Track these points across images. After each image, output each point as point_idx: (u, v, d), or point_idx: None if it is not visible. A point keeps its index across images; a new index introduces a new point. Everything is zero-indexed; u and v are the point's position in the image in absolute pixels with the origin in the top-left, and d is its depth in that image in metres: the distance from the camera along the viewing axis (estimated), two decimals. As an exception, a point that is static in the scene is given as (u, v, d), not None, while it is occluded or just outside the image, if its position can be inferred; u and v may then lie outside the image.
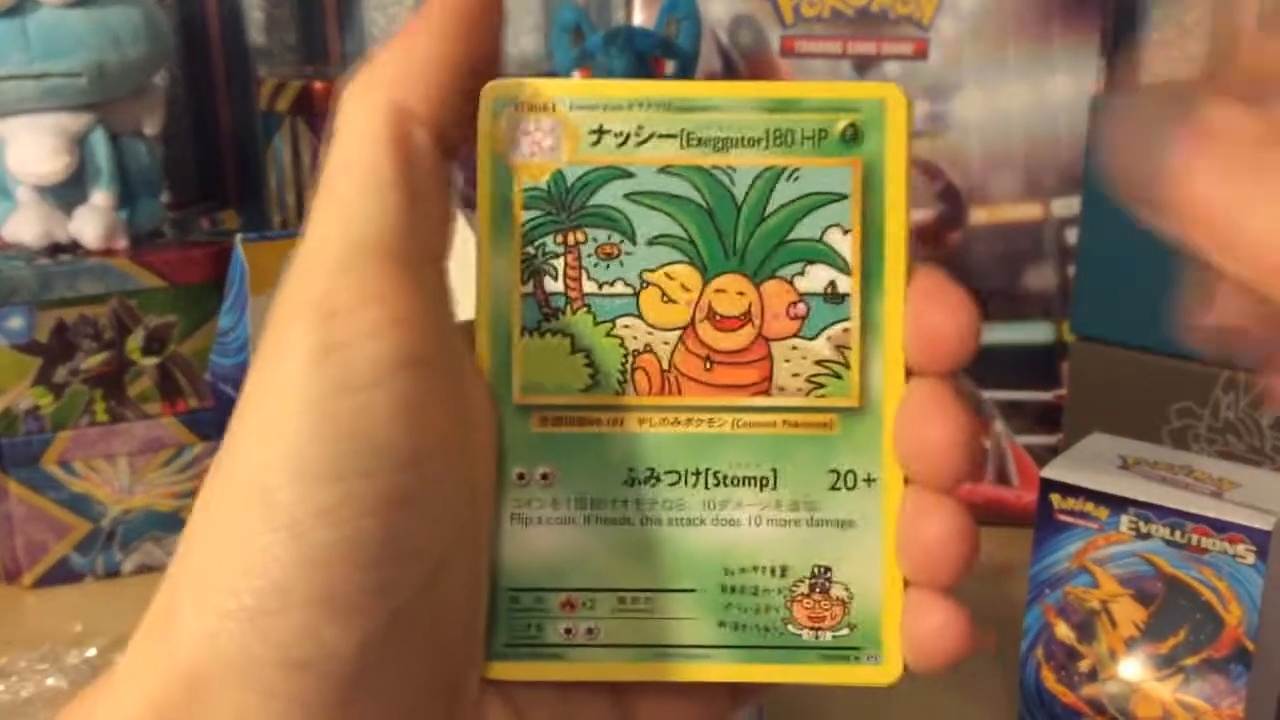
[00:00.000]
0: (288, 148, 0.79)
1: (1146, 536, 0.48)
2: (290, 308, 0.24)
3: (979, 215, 0.72)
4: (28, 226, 0.69)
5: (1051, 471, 0.50)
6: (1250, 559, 0.47)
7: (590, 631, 0.27)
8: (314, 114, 0.76)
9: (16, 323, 0.68)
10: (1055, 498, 0.50)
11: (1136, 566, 0.49)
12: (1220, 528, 0.47)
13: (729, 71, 0.74)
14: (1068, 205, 0.71)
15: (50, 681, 0.59)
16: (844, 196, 0.26)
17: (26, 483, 0.69)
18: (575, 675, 0.27)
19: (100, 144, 0.70)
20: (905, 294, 0.26)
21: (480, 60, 0.26)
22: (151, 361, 0.71)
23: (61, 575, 0.70)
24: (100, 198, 0.70)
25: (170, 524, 0.71)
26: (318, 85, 0.76)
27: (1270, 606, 0.48)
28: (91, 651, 0.62)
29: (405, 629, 0.24)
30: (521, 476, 0.26)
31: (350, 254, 0.24)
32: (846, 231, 0.26)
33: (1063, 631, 0.51)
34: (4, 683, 0.59)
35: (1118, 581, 0.50)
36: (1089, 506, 0.49)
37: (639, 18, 0.75)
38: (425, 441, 0.24)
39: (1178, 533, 0.48)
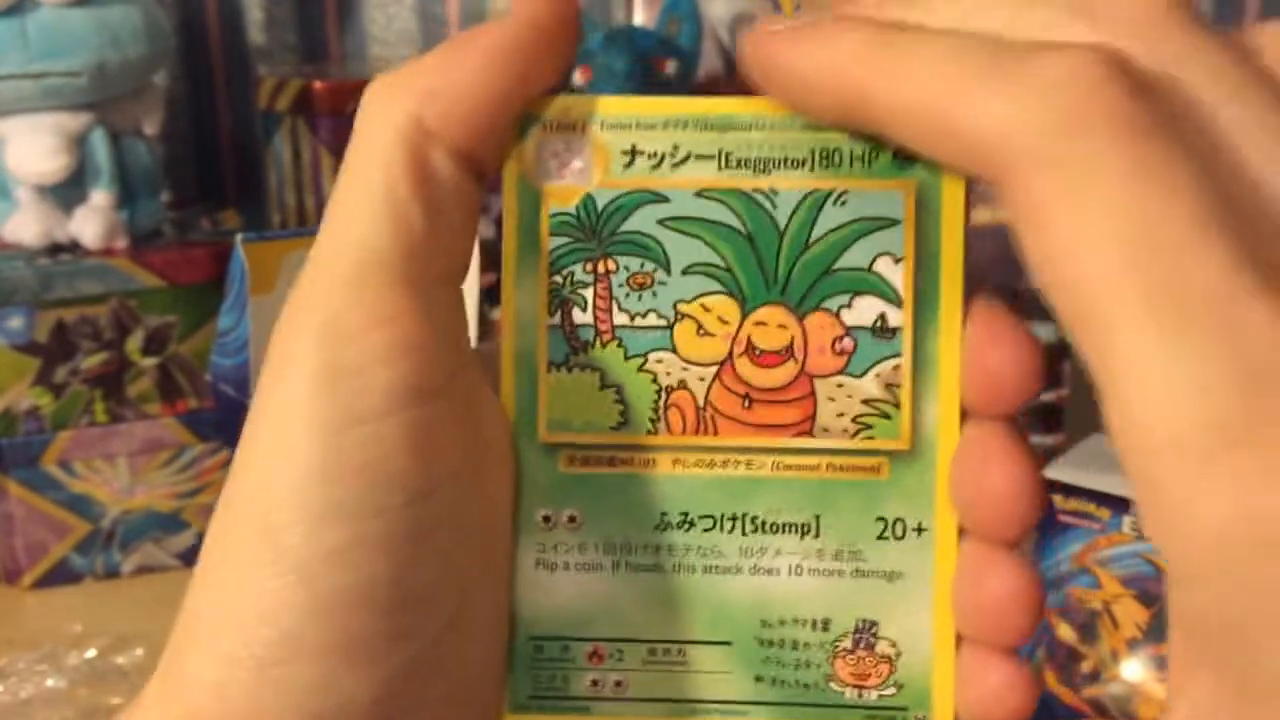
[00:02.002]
0: (288, 147, 0.79)
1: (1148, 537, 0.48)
2: (296, 326, 0.22)
3: (980, 215, 0.72)
4: (27, 226, 0.69)
5: (1053, 472, 0.50)
6: (1253, 559, 0.47)
7: (618, 684, 0.25)
8: (314, 114, 0.76)
9: (16, 323, 0.68)
10: (1057, 498, 0.50)
11: (1139, 567, 0.49)
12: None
13: (730, 72, 0.73)
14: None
15: (50, 682, 0.59)
16: (896, 222, 0.24)
17: (26, 483, 0.69)
18: None
19: (100, 144, 0.70)
20: (962, 329, 0.24)
21: (533, 94, 0.24)
22: (151, 362, 0.71)
23: (61, 576, 0.70)
24: (100, 197, 0.70)
25: (170, 524, 0.71)
26: (318, 85, 0.76)
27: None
28: (91, 652, 0.62)
29: (424, 675, 0.23)
30: (547, 519, 0.25)
31: (361, 271, 0.22)
32: (898, 260, 0.24)
33: (1065, 632, 0.51)
34: (4, 683, 0.59)
35: (1120, 582, 0.49)
36: (1091, 507, 0.49)
37: (639, 18, 0.75)
38: (438, 475, 0.22)
39: (1180, 533, 0.48)
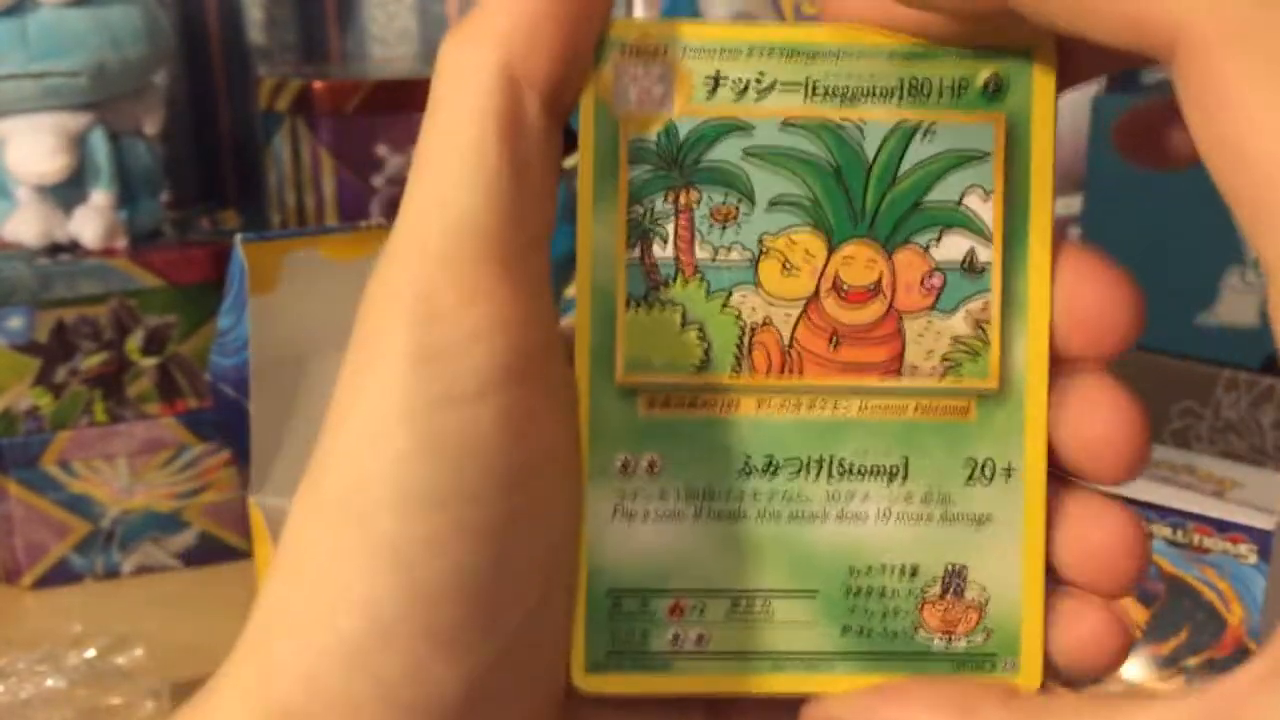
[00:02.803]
0: (287, 147, 0.79)
1: (1148, 536, 0.48)
2: (386, 304, 0.21)
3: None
4: (27, 226, 0.69)
5: (1053, 471, 0.50)
6: (1252, 559, 0.47)
7: (700, 639, 0.24)
8: (314, 114, 0.76)
9: (16, 323, 0.68)
10: (1057, 498, 0.50)
11: (1138, 567, 0.49)
12: (1222, 527, 0.47)
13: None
14: (1069, 205, 0.71)
15: (50, 682, 0.59)
16: (986, 156, 0.23)
17: (26, 483, 0.69)
18: (683, 688, 0.24)
19: (100, 144, 0.70)
20: (1052, 267, 0.23)
21: (597, 11, 0.23)
22: (151, 362, 0.71)
23: (61, 576, 0.70)
24: (100, 197, 0.70)
25: (170, 525, 0.71)
26: (318, 85, 0.76)
27: (1272, 606, 0.47)
28: (91, 652, 0.62)
29: (514, 661, 0.22)
30: (625, 465, 0.24)
31: (452, 244, 0.21)
32: (988, 195, 0.23)
33: (1064, 632, 0.51)
34: (3, 683, 0.59)
35: (1119, 582, 0.49)
36: (1090, 506, 0.49)
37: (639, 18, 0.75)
38: (533, 459, 0.22)
39: (1179, 532, 0.48)
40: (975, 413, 0.24)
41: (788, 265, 0.24)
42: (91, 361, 0.69)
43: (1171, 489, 0.49)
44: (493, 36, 0.22)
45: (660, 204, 0.23)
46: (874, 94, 0.23)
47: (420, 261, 0.21)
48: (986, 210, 0.23)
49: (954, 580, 0.24)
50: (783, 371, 0.24)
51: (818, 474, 0.24)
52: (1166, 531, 0.48)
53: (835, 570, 0.24)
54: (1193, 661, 0.49)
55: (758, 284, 0.24)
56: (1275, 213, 0.18)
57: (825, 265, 0.24)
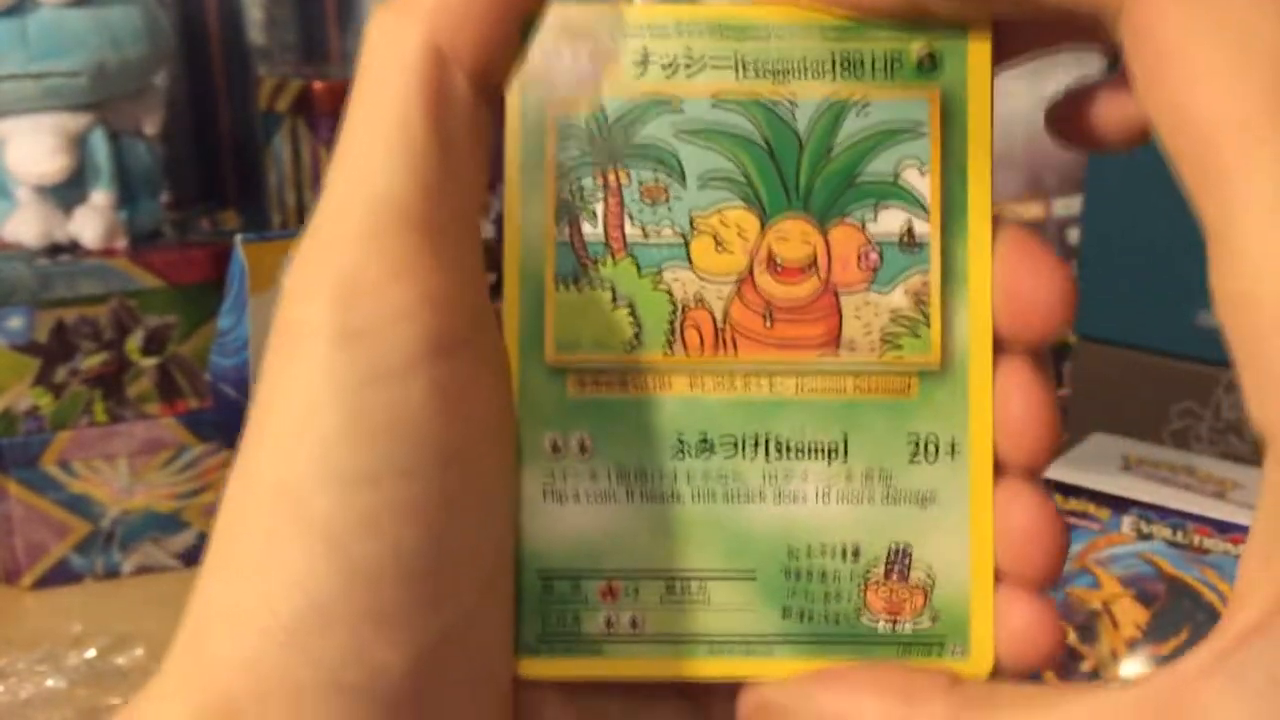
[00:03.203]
0: (288, 147, 0.79)
1: (1148, 537, 0.48)
2: (307, 284, 0.21)
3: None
4: (27, 226, 0.69)
5: (1053, 472, 0.50)
6: (1252, 560, 0.47)
7: (634, 623, 0.23)
8: (314, 114, 0.76)
9: (16, 323, 0.68)
10: (1057, 498, 0.50)
11: (1138, 567, 0.49)
12: (1222, 528, 0.47)
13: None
14: (1069, 205, 0.71)
15: (50, 682, 0.59)
16: (921, 130, 0.23)
17: (26, 483, 0.69)
18: (617, 672, 0.24)
19: (100, 144, 0.70)
20: (991, 243, 0.23)
21: None
22: (151, 362, 0.71)
23: (61, 576, 0.70)
24: (100, 198, 0.70)
25: (170, 525, 0.71)
26: (318, 85, 0.76)
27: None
28: (91, 652, 0.62)
29: (462, 642, 0.22)
30: (555, 446, 0.23)
31: (375, 221, 0.21)
32: (924, 170, 0.23)
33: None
34: (3, 683, 0.59)
35: (1119, 582, 0.49)
36: (1090, 507, 0.49)
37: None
38: (469, 433, 0.21)
39: (1179, 533, 0.48)
40: (917, 390, 0.23)
41: (720, 243, 0.23)
42: (91, 362, 0.69)
43: (1171, 490, 0.48)
44: (420, 12, 0.21)
45: (589, 183, 0.23)
46: (806, 70, 0.23)
47: (343, 239, 0.21)
48: (924, 184, 0.23)
49: (898, 561, 0.23)
50: (716, 350, 0.23)
51: (754, 453, 0.23)
52: (1167, 532, 0.48)
53: (774, 551, 0.23)
54: (1193, 662, 0.49)
55: (690, 262, 0.23)
56: (1213, 173, 0.17)
57: (759, 242, 0.23)
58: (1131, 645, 0.50)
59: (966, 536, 0.23)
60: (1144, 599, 0.49)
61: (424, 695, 0.21)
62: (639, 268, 0.23)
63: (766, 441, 0.23)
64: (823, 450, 0.23)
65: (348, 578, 0.20)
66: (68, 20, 0.69)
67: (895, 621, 0.24)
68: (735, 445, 0.23)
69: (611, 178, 0.23)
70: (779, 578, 0.23)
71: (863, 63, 0.23)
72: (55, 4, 0.69)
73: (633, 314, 0.23)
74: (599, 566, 0.23)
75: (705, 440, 0.23)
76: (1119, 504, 0.49)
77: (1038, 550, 0.23)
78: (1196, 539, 0.47)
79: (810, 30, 0.23)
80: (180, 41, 0.90)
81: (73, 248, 0.70)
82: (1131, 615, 0.49)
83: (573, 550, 0.23)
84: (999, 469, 0.23)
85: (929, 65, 0.23)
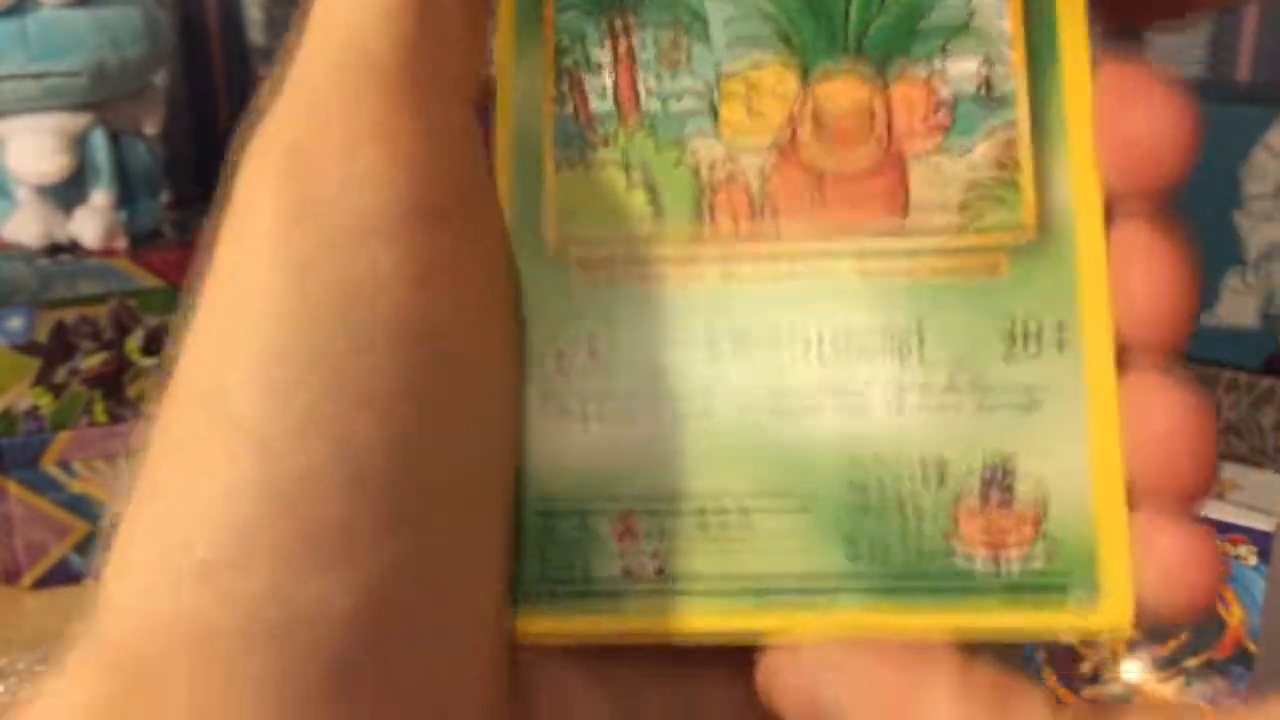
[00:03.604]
0: (288, 148, 0.78)
1: (1148, 538, 0.48)
2: (261, 153, 0.18)
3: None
4: (27, 226, 0.69)
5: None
6: (1252, 560, 0.47)
7: (659, 569, 0.19)
8: (314, 114, 0.76)
9: (16, 323, 0.68)
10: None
11: (1138, 568, 0.49)
12: (1222, 529, 0.47)
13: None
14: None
15: (50, 682, 0.59)
16: None
17: (26, 484, 0.69)
18: (639, 630, 0.19)
19: (100, 144, 0.70)
20: (1092, 85, 0.19)
21: None
22: (151, 362, 0.71)
23: (61, 576, 0.70)
24: (100, 198, 0.70)
25: (170, 524, 0.71)
26: (318, 85, 0.76)
27: (1272, 608, 0.47)
28: (91, 652, 0.62)
29: (431, 579, 0.17)
30: (560, 351, 0.19)
31: (342, 77, 0.18)
32: (1004, 2, 0.19)
33: (1064, 633, 0.51)
34: (3, 684, 0.59)
35: (1119, 583, 0.49)
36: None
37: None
38: (443, 315, 0.17)
39: (1179, 534, 0.48)
40: (1008, 269, 0.19)
41: (753, 106, 0.19)
42: (92, 362, 0.69)
43: (1171, 490, 0.49)
44: None
45: (594, 37, 0.19)
46: None
47: (304, 99, 0.18)
48: (1004, 21, 0.19)
49: (997, 481, 0.18)
50: (754, 230, 0.19)
51: (806, 353, 0.19)
52: (1166, 532, 0.48)
53: (835, 475, 0.19)
54: (1192, 662, 0.49)
55: (717, 130, 0.19)
56: None
57: (802, 100, 0.19)
58: (1131, 646, 0.50)
59: (1085, 446, 0.18)
60: (1144, 599, 0.49)
61: (380, 645, 0.17)
62: (657, 140, 0.19)
63: (820, 337, 0.19)
64: (893, 345, 0.19)
65: (278, 492, 0.16)
66: (68, 20, 0.69)
67: (998, 557, 0.18)
68: (781, 343, 0.19)
69: (620, 29, 0.20)
70: (842, 508, 0.19)
71: None
72: (55, 4, 0.69)
73: (652, 194, 0.19)
74: (614, 496, 0.19)
75: (744, 338, 0.19)
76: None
77: (1185, 457, 0.18)
78: (1196, 539, 0.47)
79: None
80: (180, 41, 0.90)
81: (73, 248, 0.70)
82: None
83: (582, 478, 0.19)
84: (1122, 358, 0.19)
85: None
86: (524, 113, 0.20)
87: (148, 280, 0.69)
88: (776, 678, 0.18)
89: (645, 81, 0.19)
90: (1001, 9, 0.19)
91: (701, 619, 0.19)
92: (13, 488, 0.69)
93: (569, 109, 0.20)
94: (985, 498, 0.18)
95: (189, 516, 0.16)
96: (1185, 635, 0.48)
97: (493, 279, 0.19)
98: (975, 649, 0.18)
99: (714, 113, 0.19)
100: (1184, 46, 0.80)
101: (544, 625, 0.19)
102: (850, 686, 0.17)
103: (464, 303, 0.18)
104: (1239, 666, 0.47)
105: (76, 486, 0.70)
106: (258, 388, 0.16)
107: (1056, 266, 0.19)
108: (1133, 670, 0.50)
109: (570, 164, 0.19)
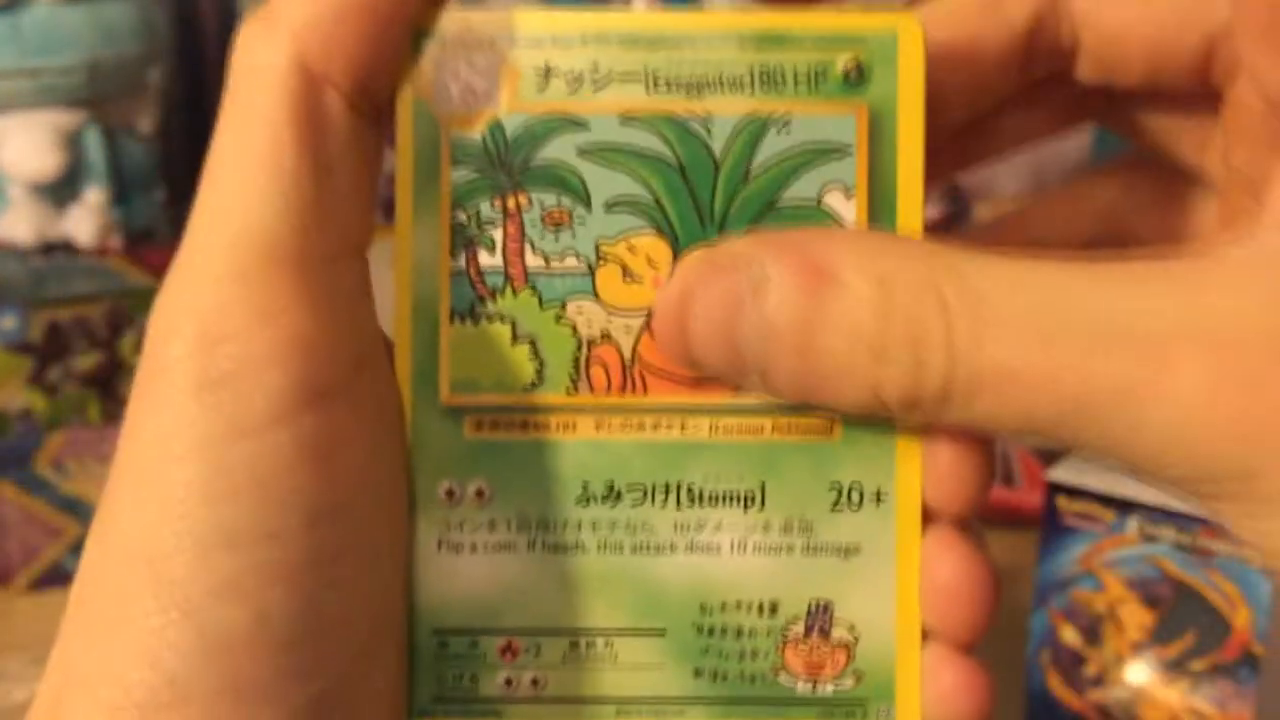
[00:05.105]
0: (284, 146, 0.78)
1: (1154, 539, 0.48)
2: (169, 327, 0.19)
3: (983, 212, 0.72)
4: (20, 225, 0.69)
5: (1058, 474, 0.50)
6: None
7: (535, 683, 0.22)
8: (310, 112, 0.76)
9: (9, 323, 0.67)
10: (1062, 500, 0.50)
11: (1144, 570, 0.49)
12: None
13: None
14: (1071, 204, 0.71)
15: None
16: (847, 150, 0.21)
17: (19, 485, 0.68)
18: None
19: (94, 142, 0.69)
20: None
21: (426, 6, 0.21)
22: (146, 362, 0.70)
23: (55, 578, 0.70)
24: (94, 196, 0.70)
25: (165, 526, 0.71)
26: (314, 83, 0.76)
27: (1279, 610, 0.47)
28: (85, 655, 0.61)
29: (342, 710, 0.20)
30: (450, 493, 0.22)
31: (239, 259, 0.19)
32: (850, 193, 0.22)
33: (1069, 635, 0.51)
34: (-4, 687, 0.59)
35: (1125, 585, 0.49)
36: (1096, 509, 0.49)
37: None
38: (343, 489, 0.20)
39: (1186, 536, 0.48)
40: (840, 432, 0.22)
41: (628, 273, 0.22)
42: (85, 362, 0.69)
43: (1177, 491, 0.48)
44: (286, 28, 0.20)
45: (487, 208, 0.22)
46: (722, 84, 0.21)
47: (204, 280, 0.19)
48: (849, 210, 0.22)
49: (819, 617, 0.22)
50: (624, 389, 0.22)
51: (664, 501, 0.22)
52: (1172, 534, 0.48)
53: (685, 607, 0.22)
54: (1199, 665, 0.48)
55: (596, 294, 0.22)
56: None
57: (671, 272, 0.22)
58: (1137, 648, 0.49)
59: (892, 591, 0.22)
60: (1150, 602, 0.49)
61: None
62: (541, 300, 0.22)
63: (678, 488, 0.22)
64: (738, 498, 0.22)
65: (205, 648, 0.19)
66: (62, 17, 0.68)
67: (816, 682, 0.22)
68: (644, 492, 0.22)
69: (511, 202, 0.22)
70: (691, 635, 0.22)
71: (784, 75, 0.21)
72: (50, 1, 0.68)
73: (534, 351, 0.22)
74: (498, 623, 0.22)
75: (612, 487, 0.22)
76: (1125, 506, 0.48)
77: (966, 606, 0.22)
78: (1203, 541, 0.47)
79: (727, 40, 0.21)
80: (175, 39, 0.89)
81: (66, 247, 0.70)
82: (1137, 618, 0.49)
83: (470, 606, 0.22)
84: (927, 518, 0.22)
85: (856, 78, 0.22)
86: (422, 272, 0.22)
87: (142, 280, 0.69)
88: None
89: (531, 241, 0.22)
90: (849, 200, 0.22)
91: None
92: (5, 489, 0.68)
93: (462, 264, 0.22)
94: (808, 631, 0.22)
95: (124, 661, 0.19)
96: (1191, 637, 0.48)
97: (384, 444, 0.21)
98: None
99: (593, 278, 0.22)
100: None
101: None
102: None
103: (358, 475, 0.20)
104: (1246, 669, 0.47)
105: (70, 488, 0.69)
106: (183, 557, 0.19)
107: (879, 433, 0.22)
108: (1138, 673, 0.49)
109: (462, 318, 0.22)
